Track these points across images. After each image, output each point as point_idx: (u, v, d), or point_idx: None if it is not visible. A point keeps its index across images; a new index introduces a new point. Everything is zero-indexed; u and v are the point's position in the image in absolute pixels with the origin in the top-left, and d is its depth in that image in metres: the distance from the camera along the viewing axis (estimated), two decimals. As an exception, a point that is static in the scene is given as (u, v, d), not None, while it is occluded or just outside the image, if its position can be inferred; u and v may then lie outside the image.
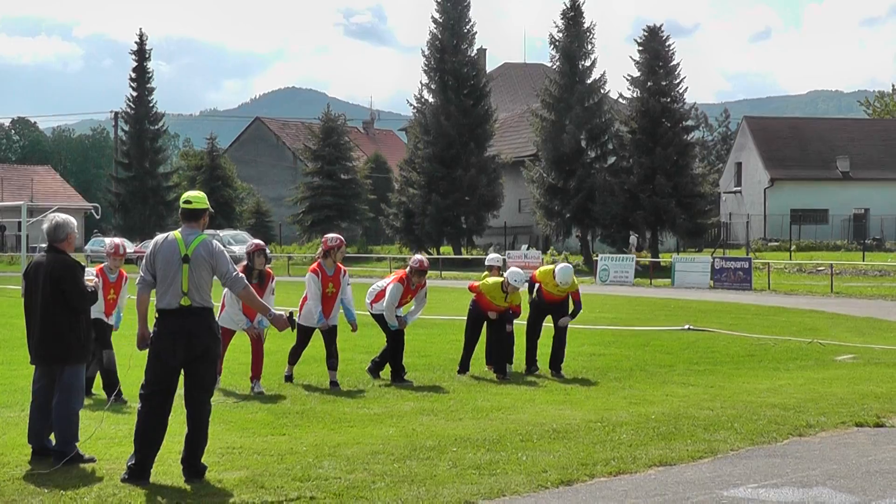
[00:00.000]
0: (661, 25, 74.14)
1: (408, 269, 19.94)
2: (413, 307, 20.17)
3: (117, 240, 18.31)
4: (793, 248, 74.44)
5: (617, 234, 71.86)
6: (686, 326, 30.31)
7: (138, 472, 11.04)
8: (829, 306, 39.93)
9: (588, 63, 75.51)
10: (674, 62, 73.90)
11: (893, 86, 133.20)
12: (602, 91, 75.85)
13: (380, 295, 19.92)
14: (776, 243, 79.35)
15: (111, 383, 16.21)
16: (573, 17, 75.18)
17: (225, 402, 16.42)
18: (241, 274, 11.67)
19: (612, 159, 75.45)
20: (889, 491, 11.20)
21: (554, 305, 21.06)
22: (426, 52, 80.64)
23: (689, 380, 19.69)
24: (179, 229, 11.53)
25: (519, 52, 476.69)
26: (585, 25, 75.32)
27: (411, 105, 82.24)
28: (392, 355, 19.64)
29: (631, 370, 21.18)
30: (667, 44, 73.79)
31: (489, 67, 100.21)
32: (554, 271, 20.58)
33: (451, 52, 79.19)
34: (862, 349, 25.36)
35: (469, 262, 72.12)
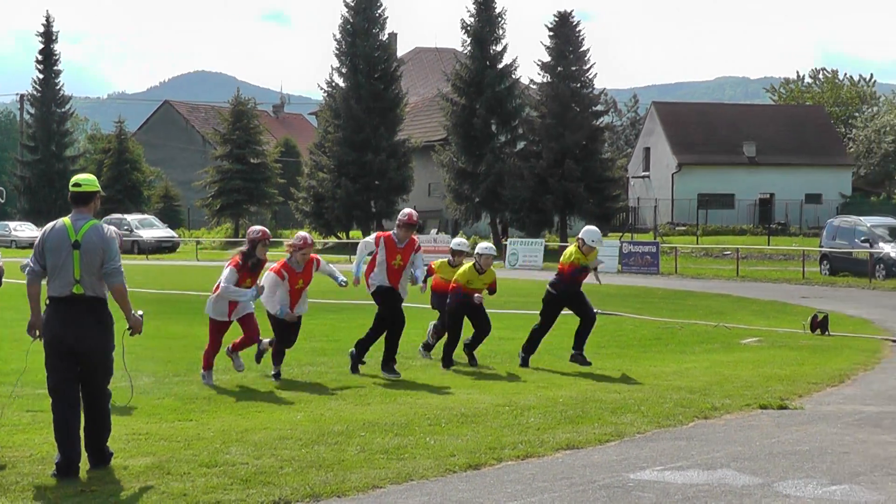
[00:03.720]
0: (572, 11, 74.77)
1: (396, 223, 18.76)
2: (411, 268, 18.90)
3: None
4: (700, 232, 75.10)
5: (527, 219, 72.15)
6: (597, 311, 30.44)
7: (65, 469, 10.73)
8: (734, 290, 40.39)
9: (499, 48, 76.19)
10: (584, 48, 74.75)
11: (798, 73, 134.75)
12: (513, 76, 76.38)
13: (371, 267, 18.67)
14: (683, 227, 79.94)
15: None
16: (485, 1, 75.53)
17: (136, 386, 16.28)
18: (122, 267, 11.23)
19: (521, 144, 75.98)
20: (791, 472, 11.33)
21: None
22: (337, 36, 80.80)
23: (596, 363, 19.76)
24: (69, 215, 11.13)
25: (431, 37, 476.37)
26: (497, 10, 76.13)
27: (322, 89, 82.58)
28: (389, 340, 18.50)
29: (539, 354, 21.20)
30: (577, 29, 74.55)
31: (401, 51, 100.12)
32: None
33: (362, 35, 79.35)
34: (766, 332, 25.65)
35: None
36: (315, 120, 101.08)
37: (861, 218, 52.18)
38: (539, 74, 75.56)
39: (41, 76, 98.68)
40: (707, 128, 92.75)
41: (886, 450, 12.56)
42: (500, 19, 76.18)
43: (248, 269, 16.55)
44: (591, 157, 73.76)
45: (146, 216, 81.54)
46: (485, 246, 19.92)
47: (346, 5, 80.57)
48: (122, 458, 11.41)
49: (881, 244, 45.83)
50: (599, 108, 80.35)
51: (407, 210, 19.09)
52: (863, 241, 46.90)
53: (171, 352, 19.44)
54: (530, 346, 20.05)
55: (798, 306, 32.90)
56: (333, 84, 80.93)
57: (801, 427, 14.04)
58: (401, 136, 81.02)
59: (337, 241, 79.37)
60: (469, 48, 76.51)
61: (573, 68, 74.53)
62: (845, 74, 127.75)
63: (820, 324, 25.55)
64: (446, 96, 76.86)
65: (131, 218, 77.30)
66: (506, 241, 66.41)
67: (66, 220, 11.07)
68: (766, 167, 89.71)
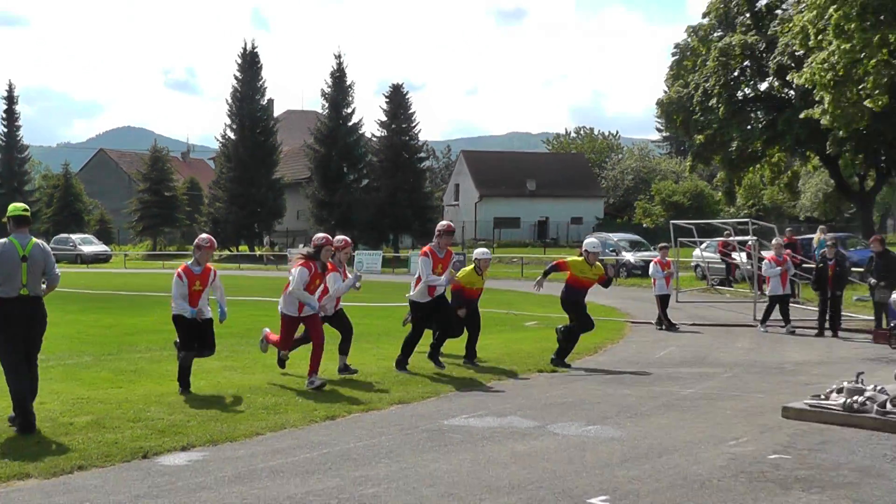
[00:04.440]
0: (403, 83, 75.81)
1: (435, 234, 16.10)
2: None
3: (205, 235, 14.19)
4: (495, 245, 75.68)
5: (369, 236, 72.50)
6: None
7: (25, 426, 10.46)
8: (520, 287, 40.71)
9: (349, 110, 76.44)
10: (411, 110, 75.91)
11: (566, 129, 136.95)
12: (359, 131, 76.67)
13: (418, 281, 16.07)
14: (484, 242, 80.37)
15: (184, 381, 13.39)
16: (339, 76, 75.94)
17: (77, 362, 15.95)
18: (59, 273, 11.20)
19: (366, 181, 76.28)
20: (560, 417, 11.54)
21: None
22: (229, 101, 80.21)
23: (422, 341, 19.83)
24: (12, 235, 10.72)
25: (299, 101, 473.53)
26: (348, 83, 76.31)
27: (218, 140, 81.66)
28: (438, 338, 16.29)
29: (379, 335, 21.23)
30: (406, 96, 75.76)
31: (277, 112, 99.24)
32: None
33: (248, 101, 78.99)
34: (543, 317, 25.98)
35: (260, 257, 71.50)
36: (213, 163, 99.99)
37: (610, 234, 53.22)
38: (378, 130, 76.41)
39: (5, 129, 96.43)
40: (501, 169, 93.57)
41: (626, 399, 12.86)
42: (350, 89, 76.42)
43: (318, 270, 14.12)
44: (416, 191, 74.74)
45: (86, 235, 79.59)
46: (482, 251, 17.78)
47: (236, 78, 79.89)
48: (68, 417, 11.17)
49: (624, 253, 46.73)
50: (422, 155, 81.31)
51: (444, 221, 16.70)
52: (611, 251, 47.75)
53: (105, 337, 18.99)
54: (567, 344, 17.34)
55: (565, 298, 33.32)
56: (226, 136, 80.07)
57: (566, 384, 14.30)
58: (276, 175, 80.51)
59: (230, 253, 78.79)
60: (327, 110, 76.48)
61: (403, 125, 75.51)
62: (599, 131, 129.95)
63: (580, 310, 25.96)
64: (310, 146, 76.74)
65: (75, 237, 75.68)
66: (355, 253, 66.53)
67: (12, 239, 10.70)
68: (543, 198, 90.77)
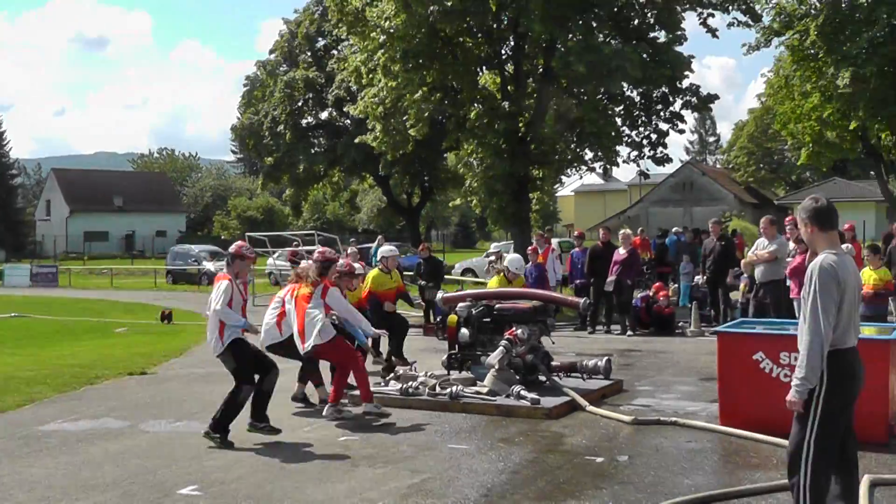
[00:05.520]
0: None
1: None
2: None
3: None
4: (86, 257, 72.44)
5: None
6: (12, 314, 28.65)
7: None
8: (111, 296, 39.29)
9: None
10: (2, 129, 72.03)
11: (150, 150, 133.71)
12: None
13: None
14: (75, 254, 76.73)
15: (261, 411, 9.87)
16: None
17: None
18: None
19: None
20: (150, 416, 11.26)
21: None
22: None
23: (15, 351, 18.66)
24: None
25: None
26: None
27: None
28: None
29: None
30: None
31: None
32: None
33: None
34: (132, 323, 25.22)
35: None
36: None
37: (192, 246, 52.56)
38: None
39: None
40: (90, 186, 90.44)
41: (210, 396, 12.68)
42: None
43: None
44: (8, 206, 70.92)
45: None
46: (388, 249, 15.41)
47: None
48: None
49: (204, 263, 46.17)
50: (14, 172, 77.01)
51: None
52: (193, 261, 47.08)
53: None
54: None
55: (153, 305, 32.45)
56: None
57: (156, 385, 13.92)
58: None
59: None
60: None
61: (-7, 146, 71.05)
62: (180, 152, 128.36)
63: (167, 316, 25.44)
64: None
65: None
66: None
67: None
68: (130, 213, 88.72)
